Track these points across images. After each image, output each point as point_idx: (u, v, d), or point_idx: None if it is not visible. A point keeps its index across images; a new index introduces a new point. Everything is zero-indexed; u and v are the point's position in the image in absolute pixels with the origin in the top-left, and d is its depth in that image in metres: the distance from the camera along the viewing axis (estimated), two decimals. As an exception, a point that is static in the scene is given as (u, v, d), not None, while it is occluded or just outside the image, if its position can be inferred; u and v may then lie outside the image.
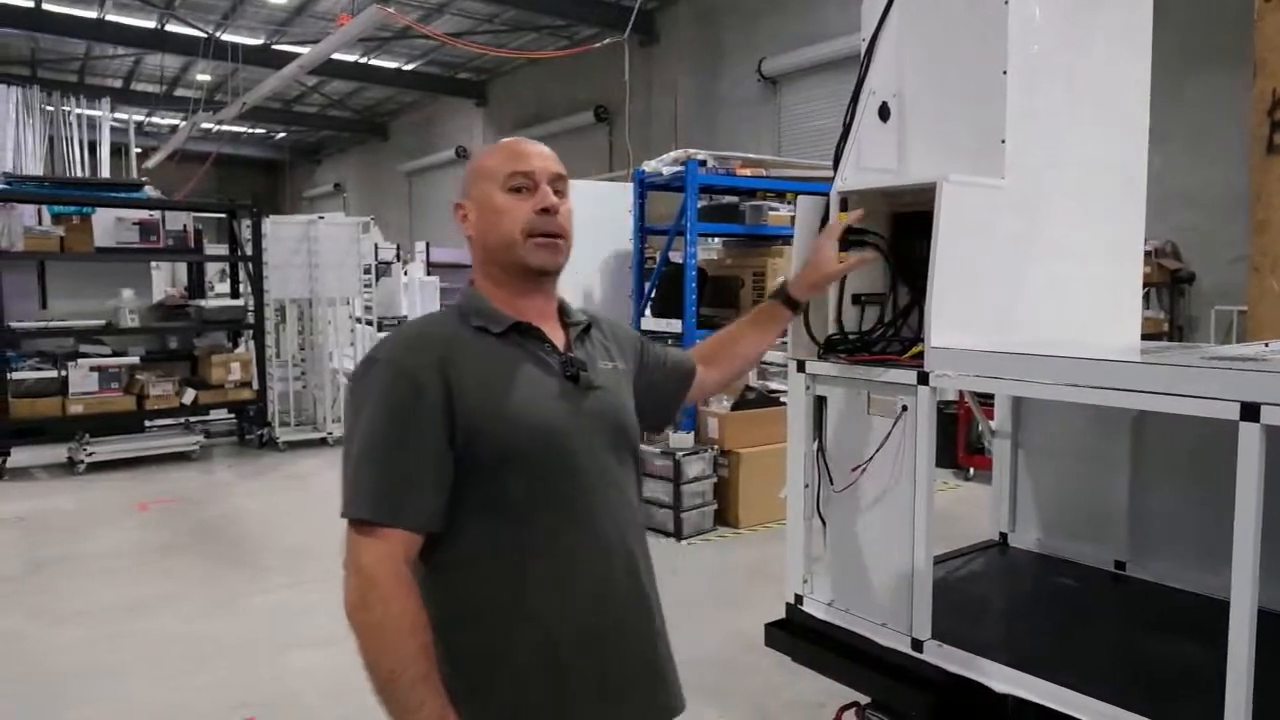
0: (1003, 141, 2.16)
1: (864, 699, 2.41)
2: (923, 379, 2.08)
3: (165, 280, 9.57)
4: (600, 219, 6.78)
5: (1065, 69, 2.30)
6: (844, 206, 2.29)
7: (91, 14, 14.87)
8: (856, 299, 2.33)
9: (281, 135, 25.85)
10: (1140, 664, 2.12)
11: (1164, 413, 1.72)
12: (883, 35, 2.37)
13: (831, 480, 2.32)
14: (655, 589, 1.55)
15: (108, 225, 7.91)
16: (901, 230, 2.39)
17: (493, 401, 1.34)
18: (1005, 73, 2.14)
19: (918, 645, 2.12)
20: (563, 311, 1.55)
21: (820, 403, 2.35)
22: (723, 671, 3.82)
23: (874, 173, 2.34)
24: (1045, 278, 2.32)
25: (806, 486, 2.37)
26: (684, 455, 5.76)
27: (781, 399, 6.58)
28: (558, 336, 1.49)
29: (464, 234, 1.49)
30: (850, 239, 2.26)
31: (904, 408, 2.13)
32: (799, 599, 2.41)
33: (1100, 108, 2.42)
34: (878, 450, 2.17)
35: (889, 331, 2.28)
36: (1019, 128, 2.17)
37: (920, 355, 2.10)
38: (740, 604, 4.58)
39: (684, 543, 5.67)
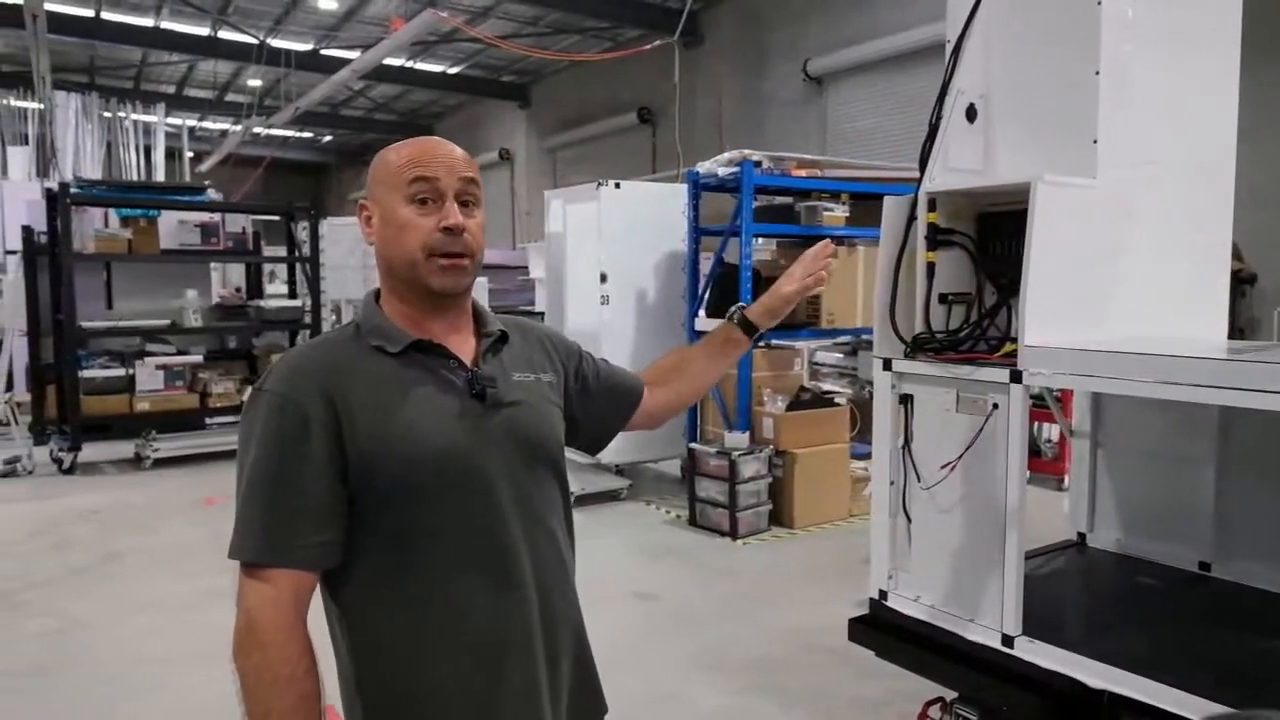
0: (1095, 141, 2.17)
1: (946, 694, 2.44)
2: (1015, 377, 2.10)
3: (217, 281, 9.81)
4: (652, 220, 6.84)
5: (1156, 68, 2.30)
6: (932, 206, 2.31)
7: (147, 22, 15.26)
8: (943, 298, 2.35)
9: (328, 139, 26.27)
10: (1236, 663, 2.12)
11: (1253, 413, 1.73)
12: (969, 36, 2.39)
13: (919, 477, 2.34)
14: (574, 610, 1.47)
15: (170, 227, 8.14)
16: (987, 229, 2.41)
17: (385, 430, 1.26)
18: (1098, 73, 2.16)
19: (1008, 641, 2.14)
20: (479, 320, 1.44)
21: (906, 401, 2.37)
22: (783, 670, 3.84)
23: (961, 173, 2.36)
24: (1133, 276, 2.33)
25: (892, 483, 2.40)
26: (739, 455, 5.79)
27: (836, 400, 6.58)
28: (467, 350, 1.38)
29: (366, 239, 1.37)
30: (938, 238, 2.29)
31: (995, 406, 2.15)
32: (883, 594, 2.44)
33: (1190, 106, 2.42)
34: (968, 448, 2.19)
35: (977, 330, 2.30)
36: (1111, 127, 2.19)
37: (1012, 354, 2.12)
38: (797, 603, 4.61)
39: (739, 542, 5.70)
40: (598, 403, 1.61)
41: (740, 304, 1.72)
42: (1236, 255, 7.94)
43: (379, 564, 1.29)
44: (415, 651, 1.30)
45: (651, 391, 1.70)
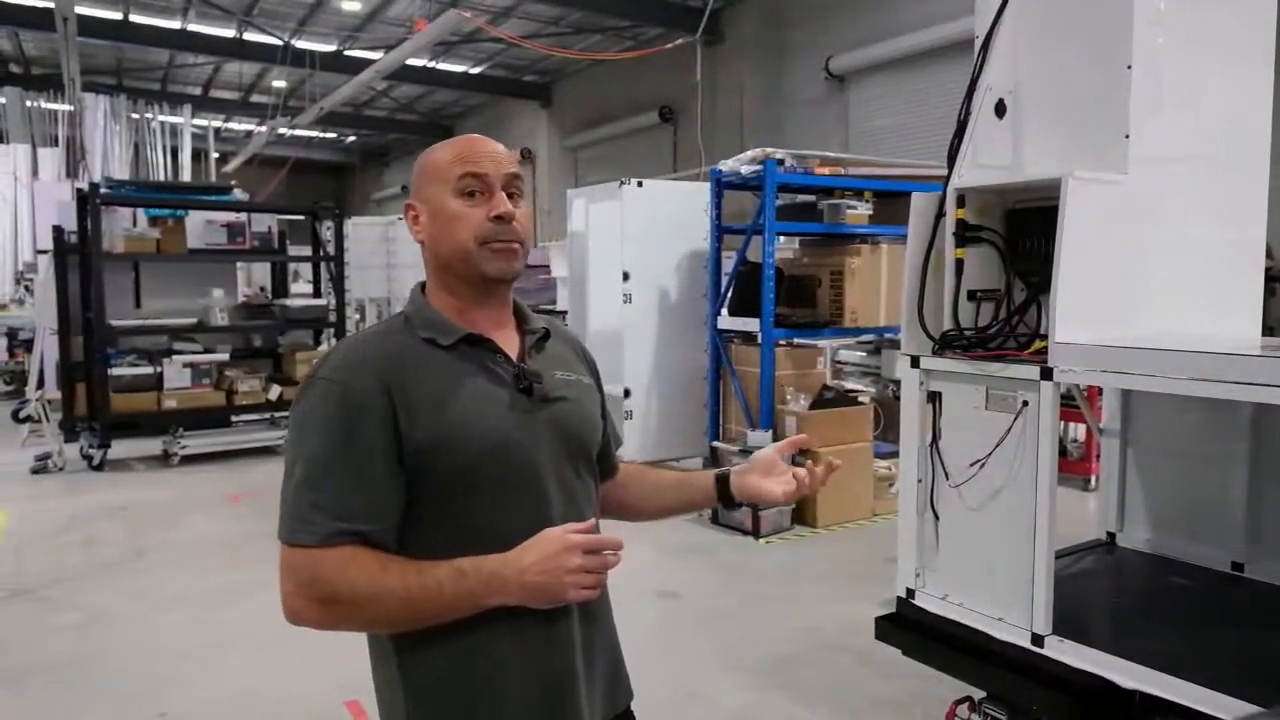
0: (1126, 136, 2.15)
1: (974, 693, 2.42)
2: (1046, 374, 2.08)
3: (242, 281, 9.91)
4: (674, 219, 6.84)
5: (1189, 63, 2.27)
6: (961, 203, 2.30)
7: (174, 24, 15.44)
8: (972, 295, 2.34)
9: (351, 139, 26.47)
10: (1271, 664, 2.09)
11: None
12: (998, 31, 2.37)
13: (947, 475, 2.32)
14: (607, 601, 1.50)
15: (197, 227, 8.21)
16: (1016, 226, 2.39)
17: (441, 420, 1.29)
18: (1130, 67, 2.14)
19: (1038, 640, 2.13)
20: (520, 318, 1.47)
21: (934, 398, 2.36)
22: (805, 669, 3.83)
23: (990, 169, 2.35)
24: (1166, 272, 2.30)
25: (920, 481, 2.38)
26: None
27: (859, 398, 6.55)
28: (512, 345, 1.41)
29: (415, 237, 1.40)
30: (966, 234, 2.27)
31: (1025, 403, 2.14)
32: (910, 593, 2.43)
33: (1223, 102, 2.39)
34: (997, 446, 2.18)
35: (1006, 327, 2.29)
36: (1143, 122, 2.17)
37: (1042, 351, 2.10)
38: (819, 602, 4.59)
39: (762, 541, 5.69)
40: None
41: (728, 469, 1.61)
42: (1267, 254, 7.86)
43: (431, 553, 1.29)
44: (466, 637, 1.31)
45: (616, 486, 1.64)
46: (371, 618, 1.25)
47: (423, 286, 1.43)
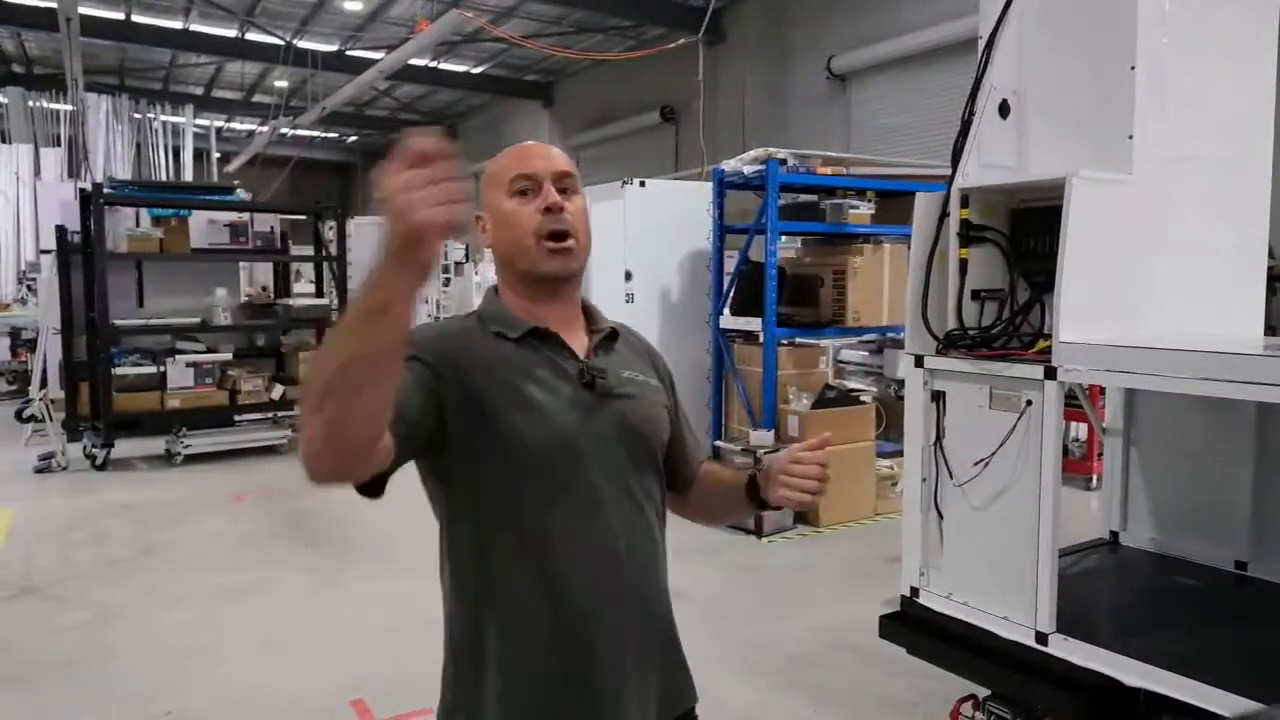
0: (1130, 137, 2.16)
1: (979, 691, 2.43)
2: (1050, 374, 2.09)
3: (245, 280, 9.90)
4: (676, 218, 6.85)
5: (1192, 63, 2.28)
6: (965, 203, 2.31)
7: (176, 24, 15.46)
8: (976, 295, 2.34)
9: (353, 139, 26.48)
10: (1275, 662, 2.10)
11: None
12: (1002, 31, 2.38)
13: (951, 474, 2.33)
14: (666, 606, 1.55)
15: (200, 227, 8.22)
16: (1020, 226, 2.40)
17: (501, 403, 1.34)
18: (1133, 68, 2.14)
19: (1042, 638, 2.13)
20: (590, 318, 1.52)
21: (938, 397, 2.37)
22: (812, 668, 3.84)
23: (994, 169, 2.36)
24: (1169, 272, 2.31)
25: (924, 480, 2.39)
26: (764, 453, 5.78)
27: (862, 398, 6.56)
28: (579, 343, 1.46)
29: (484, 245, 1.48)
30: (970, 234, 2.28)
31: (1028, 402, 2.14)
32: (915, 591, 2.44)
33: (1226, 103, 2.40)
34: (1001, 445, 2.18)
35: (1010, 327, 2.29)
36: (1146, 123, 2.17)
37: (1046, 350, 2.11)
38: (824, 601, 4.60)
39: (764, 540, 5.70)
40: (675, 442, 1.61)
41: (760, 468, 1.55)
42: (1270, 254, 7.85)
43: (482, 531, 1.35)
44: (503, 614, 1.35)
45: (688, 494, 1.68)
46: (328, 380, 1.06)
47: (496, 289, 1.50)
